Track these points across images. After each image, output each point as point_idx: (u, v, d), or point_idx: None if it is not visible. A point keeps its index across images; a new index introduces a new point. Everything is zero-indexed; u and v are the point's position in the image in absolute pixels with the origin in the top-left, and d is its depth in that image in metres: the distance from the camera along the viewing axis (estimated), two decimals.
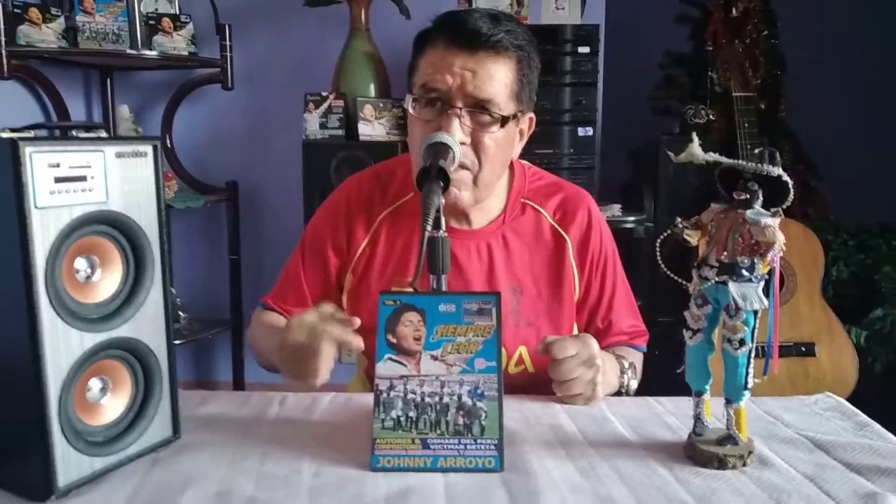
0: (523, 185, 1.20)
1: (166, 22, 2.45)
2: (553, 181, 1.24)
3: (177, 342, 2.47)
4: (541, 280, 1.17)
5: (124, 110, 2.65)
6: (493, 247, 1.17)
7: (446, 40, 1.04)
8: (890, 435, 0.92)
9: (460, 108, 1.03)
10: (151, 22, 2.44)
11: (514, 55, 1.06)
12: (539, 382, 1.19)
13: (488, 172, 1.09)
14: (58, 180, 0.73)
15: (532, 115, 1.15)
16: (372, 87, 2.57)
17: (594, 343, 1.02)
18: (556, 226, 1.19)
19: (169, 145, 2.76)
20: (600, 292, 1.22)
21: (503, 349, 1.11)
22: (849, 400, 1.05)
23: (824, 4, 3.25)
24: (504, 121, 1.06)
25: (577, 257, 1.19)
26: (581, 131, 2.47)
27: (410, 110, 1.08)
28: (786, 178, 0.80)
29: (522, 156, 1.24)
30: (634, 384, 1.16)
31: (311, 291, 1.21)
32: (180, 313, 2.66)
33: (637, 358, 1.23)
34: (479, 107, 1.04)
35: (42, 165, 0.71)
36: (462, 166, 1.05)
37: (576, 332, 1.22)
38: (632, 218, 2.49)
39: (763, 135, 2.43)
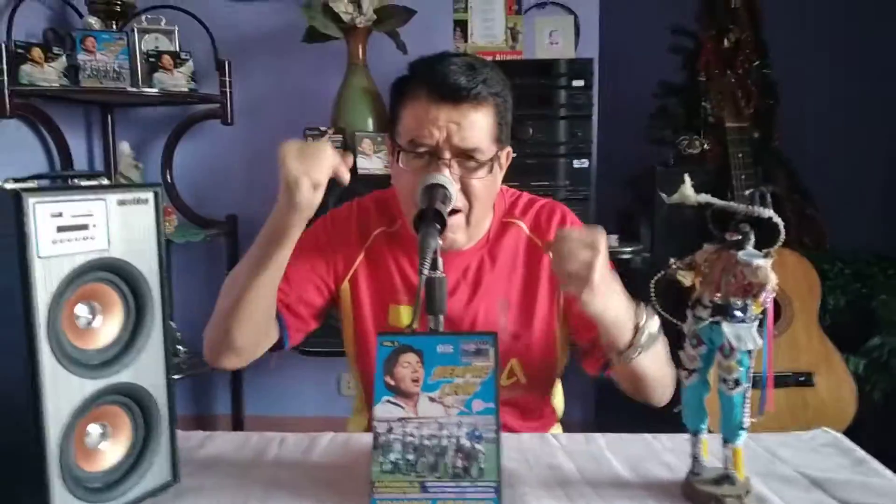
0: (503, 206, 1.25)
1: (167, 59, 2.48)
2: (528, 199, 1.28)
3: (176, 377, 2.46)
4: (524, 291, 1.20)
5: (125, 147, 2.67)
6: (480, 265, 1.21)
7: (428, 93, 1.07)
8: (887, 471, 0.92)
9: (449, 159, 1.08)
10: (152, 59, 2.47)
11: (492, 102, 1.10)
12: (531, 393, 1.22)
13: (479, 211, 1.14)
14: (60, 229, 0.74)
15: (509, 148, 1.18)
16: (370, 122, 2.60)
17: (602, 234, 0.95)
18: (532, 236, 1.22)
19: (169, 180, 2.78)
20: None
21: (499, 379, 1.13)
22: (848, 429, 1.05)
23: (816, 34, 3.30)
24: (490, 164, 1.10)
25: None
26: (576, 163, 2.49)
27: (399, 164, 1.11)
28: (777, 219, 0.81)
29: (519, 188, 1.28)
30: (654, 324, 1.03)
31: (303, 277, 1.19)
32: (179, 347, 2.66)
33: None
34: (465, 156, 1.08)
35: (45, 215, 0.73)
36: (454, 210, 1.08)
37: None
38: (629, 248, 2.50)
39: (757, 164, 2.45)
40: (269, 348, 1.15)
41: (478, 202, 1.12)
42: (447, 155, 1.07)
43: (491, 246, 1.22)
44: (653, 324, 1.03)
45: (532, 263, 1.21)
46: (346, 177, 0.99)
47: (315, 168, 0.96)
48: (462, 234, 1.14)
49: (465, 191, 1.10)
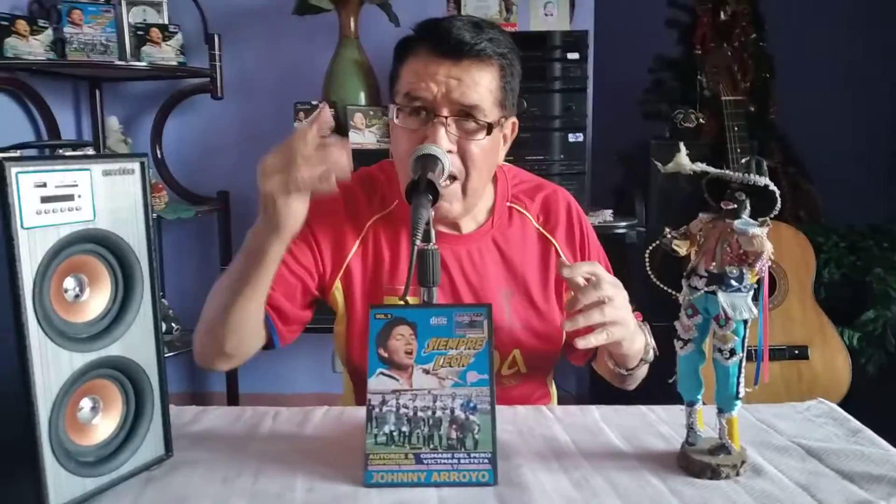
0: (507, 188, 1.21)
1: (155, 32, 2.44)
2: (535, 184, 1.25)
3: (169, 354, 2.46)
4: (531, 282, 1.18)
5: (113, 122, 2.64)
6: (484, 251, 1.17)
7: (429, 49, 1.04)
8: (882, 441, 0.93)
9: (446, 117, 1.03)
10: (140, 32, 2.43)
11: (497, 63, 1.06)
12: (530, 382, 1.21)
13: (475, 180, 1.09)
14: (44, 200, 0.73)
15: (515, 119, 1.15)
16: (362, 96, 2.57)
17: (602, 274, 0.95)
18: (541, 229, 1.20)
19: (159, 156, 2.75)
20: None
21: (496, 352, 1.12)
22: (842, 402, 1.05)
23: (812, 7, 3.28)
24: (489, 128, 1.06)
25: (567, 253, 1.20)
26: (571, 137, 2.47)
27: (395, 120, 1.08)
28: (773, 187, 0.80)
29: (513, 161, 1.25)
30: (650, 338, 1.10)
31: (282, 282, 1.10)
32: (173, 325, 2.65)
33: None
34: (464, 114, 1.04)
35: (28, 185, 0.71)
36: (450, 176, 1.05)
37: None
38: (623, 223, 2.50)
39: (753, 138, 2.45)
40: (260, 348, 1.11)
41: (475, 169, 1.07)
42: (445, 111, 1.03)
43: (496, 232, 1.18)
44: (648, 333, 1.10)
45: (540, 256, 1.19)
46: (344, 170, 0.88)
47: (294, 187, 0.87)
48: (458, 203, 1.09)
49: (463, 156, 1.05)
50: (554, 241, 1.19)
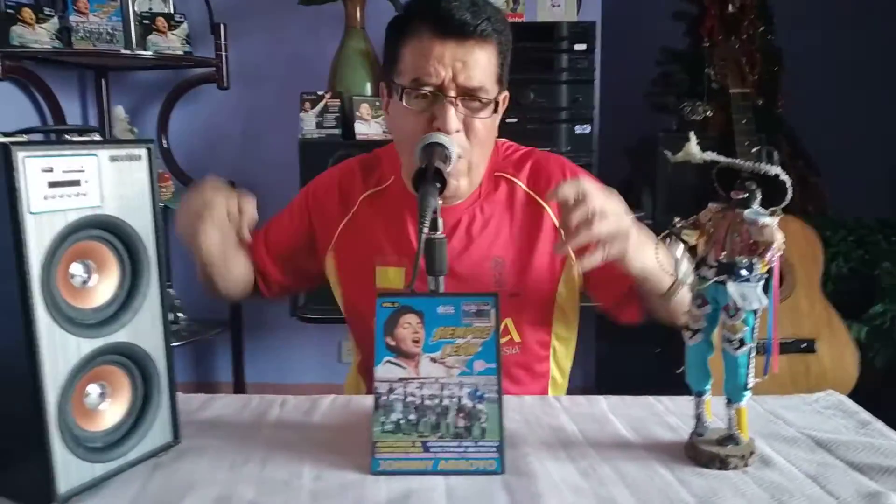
0: (496, 159, 1.21)
1: (161, 21, 2.44)
2: (526, 151, 1.25)
3: (176, 343, 2.47)
4: (520, 249, 1.17)
5: (119, 111, 2.64)
6: (471, 221, 1.18)
7: (431, 29, 1.04)
8: (892, 433, 0.92)
9: (454, 98, 1.05)
10: (146, 21, 2.43)
11: (495, 40, 1.07)
12: (526, 351, 1.20)
13: (479, 155, 1.12)
14: (52, 185, 0.72)
15: (506, 92, 1.15)
16: (368, 86, 2.56)
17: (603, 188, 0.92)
18: (531, 192, 1.19)
19: (165, 145, 2.75)
20: None
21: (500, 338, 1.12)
22: (850, 396, 1.04)
23: (821, 1, 3.25)
24: (493, 105, 1.09)
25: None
26: (578, 129, 2.46)
27: (400, 102, 1.08)
28: (784, 177, 0.80)
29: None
30: (681, 251, 0.98)
31: (278, 237, 1.29)
32: (179, 314, 2.65)
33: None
34: (469, 95, 1.06)
35: (35, 170, 0.71)
36: (457, 155, 1.06)
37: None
38: (631, 216, 2.48)
39: (760, 131, 2.43)
40: (251, 294, 1.28)
41: (479, 145, 1.09)
42: (452, 93, 1.05)
43: (483, 201, 1.18)
44: (680, 251, 0.98)
45: (530, 220, 1.18)
46: (253, 220, 1.05)
47: (200, 227, 1.02)
48: (465, 180, 1.12)
49: (468, 132, 1.07)
50: (545, 204, 1.18)
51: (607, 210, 0.90)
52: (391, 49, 1.10)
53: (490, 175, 1.20)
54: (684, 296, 1.00)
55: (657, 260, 0.92)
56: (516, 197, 1.19)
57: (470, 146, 1.08)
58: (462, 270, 1.14)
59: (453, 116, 1.04)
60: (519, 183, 1.20)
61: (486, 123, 1.09)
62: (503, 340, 1.17)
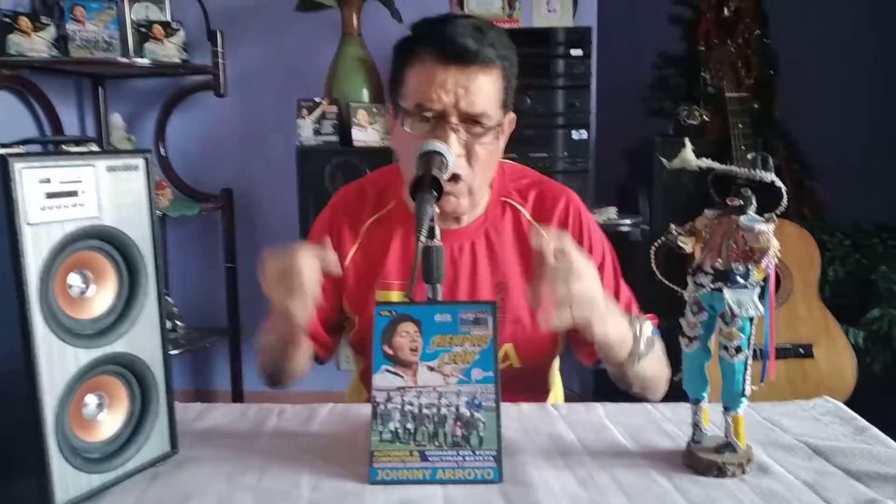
0: (504, 184, 1.22)
1: (157, 29, 2.44)
2: (535, 180, 1.25)
3: (174, 352, 2.47)
4: (522, 275, 1.17)
5: (117, 119, 2.64)
6: (477, 245, 1.18)
7: (434, 55, 1.05)
8: (888, 440, 0.92)
9: (456, 123, 1.05)
10: (142, 29, 2.43)
11: (499, 65, 1.07)
12: (524, 377, 1.20)
13: (481, 178, 1.11)
14: (49, 196, 0.73)
15: (513, 114, 1.16)
16: (365, 93, 2.56)
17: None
18: (532, 221, 1.19)
19: (162, 153, 2.75)
20: None
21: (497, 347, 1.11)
22: (848, 401, 1.05)
23: (816, 2, 3.26)
24: (495, 130, 1.08)
25: None
26: (575, 134, 2.47)
27: (403, 126, 1.09)
28: (779, 183, 0.80)
29: (516, 159, 1.25)
30: (648, 329, 1.06)
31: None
32: (177, 322, 2.65)
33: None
34: (471, 121, 1.06)
35: (32, 181, 0.71)
36: (457, 178, 1.06)
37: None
38: (628, 221, 2.49)
39: (757, 135, 2.43)
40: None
41: (480, 169, 1.09)
42: (454, 119, 1.05)
43: (488, 226, 1.19)
44: (647, 328, 1.06)
45: (531, 249, 1.18)
46: (335, 269, 0.98)
47: (299, 295, 0.93)
48: (465, 200, 1.11)
49: (469, 157, 1.07)
50: (544, 234, 1.18)
51: (583, 273, 0.90)
52: (396, 71, 1.11)
53: (497, 199, 1.20)
54: (643, 370, 1.07)
55: (618, 334, 1.00)
56: (520, 224, 1.19)
57: (471, 171, 1.08)
58: (467, 294, 1.15)
59: (455, 142, 1.04)
60: (524, 212, 1.20)
61: (489, 148, 1.09)
62: (503, 365, 1.16)
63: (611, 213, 2.51)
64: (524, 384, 1.21)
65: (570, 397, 1.29)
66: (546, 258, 0.90)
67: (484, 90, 1.05)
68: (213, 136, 2.90)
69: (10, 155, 0.69)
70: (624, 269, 1.25)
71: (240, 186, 2.84)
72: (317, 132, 2.49)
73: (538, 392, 1.26)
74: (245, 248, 2.87)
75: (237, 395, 2.88)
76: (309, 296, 0.93)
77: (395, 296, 1.16)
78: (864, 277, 2.41)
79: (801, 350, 2.23)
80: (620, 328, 1.02)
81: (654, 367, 1.10)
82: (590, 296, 0.91)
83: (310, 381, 3.34)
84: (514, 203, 1.20)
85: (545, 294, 0.89)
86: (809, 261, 2.29)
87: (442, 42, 1.04)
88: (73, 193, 0.75)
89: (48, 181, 0.72)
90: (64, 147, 0.81)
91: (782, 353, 2.21)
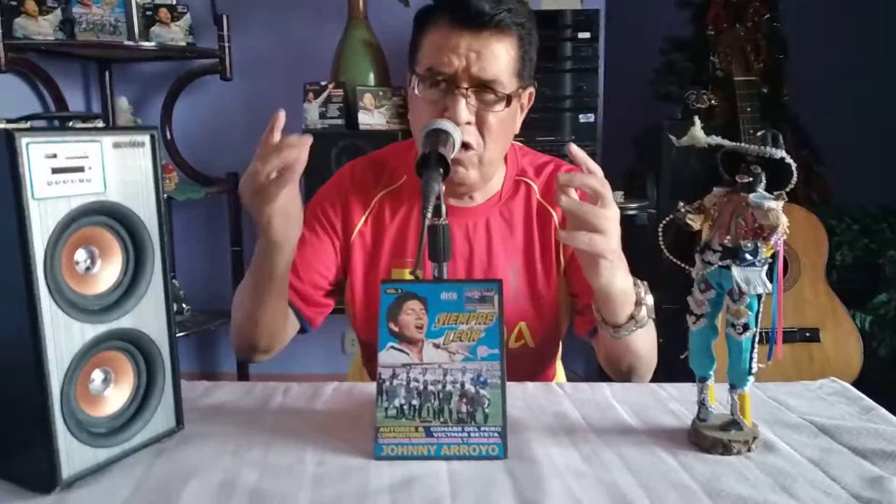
0: (518, 162, 1.21)
1: (163, 12, 2.44)
2: (548, 159, 1.25)
3: (180, 334, 2.48)
4: (535, 253, 1.18)
5: (123, 102, 2.64)
6: (492, 223, 1.17)
7: (449, 20, 1.04)
8: (895, 419, 0.92)
9: (466, 89, 1.04)
10: (148, 13, 2.42)
11: (515, 33, 1.06)
12: (539, 354, 1.20)
13: (492, 150, 1.09)
14: (55, 171, 0.72)
15: (532, 89, 1.15)
16: (371, 76, 2.56)
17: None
18: (542, 200, 1.19)
19: (169, 137, 2.76)
20: None
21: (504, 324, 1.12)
22: (854, 385, 1.04)
23: None
24: (508, 99, 1.06)
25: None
26: (582, 118, 2.46)
27: (416, 91, 1.08)
28: (789, 160, 0.79)
29: (524, 142, 1.24)
30: (650, 299, 1.05)
31: (310, 261, 1.17)
32: (183, 305, 2.66)
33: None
34: (483, 87, 1.04)
35: (39, 156, 0.71)
36: (468, 146, 1.05)
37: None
38: (634, 205, 2.48)
39: (765, 119, 2.42)
40: (293, 336, 1.17)
41: (492, 140, 1.07)
42: (465, 84, 1.04)
43: (503, 205, 1.18)
44: (649, 298, 1.04)
45: (543, 228, 1.18)
46: (302, 162, 0.93)
47: (270, 198, 0.92)
48: (475, 171, 1.09)
49: (480, 126, 1.06)
50: (553, 213, 1.18)
51: (613, 213, 0.91)
52: (414, 39, 1.10)
53: (512, 177, 1.19)
54: (635, 344, 1.05)
55: (622, 289, 0.98)
56: (531, 203, 1.19)
57: (482, 140, 1.07)
58: (483, 272, 1.15)
59: (463, 107, 1.03)
60: (535, 188, 1.20)
61: (500, 117, 1.06)
62: (518, 344, 1.17)
63: (618, 197, 2.50)
64: (538, 362, 1.22)
65: (573, 379, 1.29)
66: (591, 184, 0.90)
67: (497, 56, 1.04)
68: (219, 120, 2.90)
69: (16, 129, 0.69)
70: (630, 253, 1.25)
71: (245, 170, 2.83)
72: (323, 115, 2.49)
73: (550, 372, 1.27)
74: (251, 231, 2.87)
75: (243, 378, 2.90)
76: (273, 194, 0.92)
77: (409, 275, 1.15)
78: (872, 262, 2.40)
79: (807, 334, 2.22)
80: (625, 284, 1.00)
81: (646, 346, 1.08)
82: (612, 232, 0.91)
83: (315, 363, 3.37)
84: (528, 180, 1.20)
85: (577, 212, 0.90)
86: (817, 245, 2.28)
87: (457, 6, 1.03)
88: (80, 169, 0.75)
89: (54, 156, 0.72)
90: (70, 123, 0.81)
91: (789, 337, 2.21)
